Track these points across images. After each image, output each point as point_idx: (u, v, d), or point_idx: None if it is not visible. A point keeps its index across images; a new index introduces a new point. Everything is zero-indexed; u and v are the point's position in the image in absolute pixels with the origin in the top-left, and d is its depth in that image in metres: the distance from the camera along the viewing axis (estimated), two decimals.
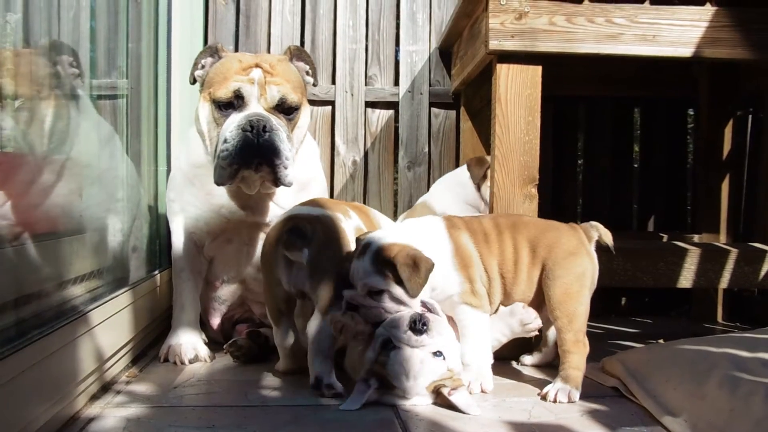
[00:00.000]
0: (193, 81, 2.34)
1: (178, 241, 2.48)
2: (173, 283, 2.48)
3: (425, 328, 1.84)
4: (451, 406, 1.83)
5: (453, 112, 3.57)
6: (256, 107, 2.19)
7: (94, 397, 1.88)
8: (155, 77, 2.92)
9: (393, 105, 3.56)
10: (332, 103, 3.50)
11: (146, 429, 1.65)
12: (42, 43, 1.97)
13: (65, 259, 1.94)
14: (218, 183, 2.20)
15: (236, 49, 3.48)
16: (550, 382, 2.03)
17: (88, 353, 1.81)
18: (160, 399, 1.91)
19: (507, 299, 2.08)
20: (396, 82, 3.56)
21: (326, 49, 3.54)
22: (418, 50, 3.56)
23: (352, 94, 3.52)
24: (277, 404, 1.89)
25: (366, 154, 3.53)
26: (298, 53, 2.40)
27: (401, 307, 1.91)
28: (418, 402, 1.87)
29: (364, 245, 1.94)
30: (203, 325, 2.57)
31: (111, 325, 2.00)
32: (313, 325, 1.98)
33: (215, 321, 2.61)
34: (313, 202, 2.22)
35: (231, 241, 2.49)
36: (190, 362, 2.31)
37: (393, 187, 3.58)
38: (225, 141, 2.14)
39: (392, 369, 1.83)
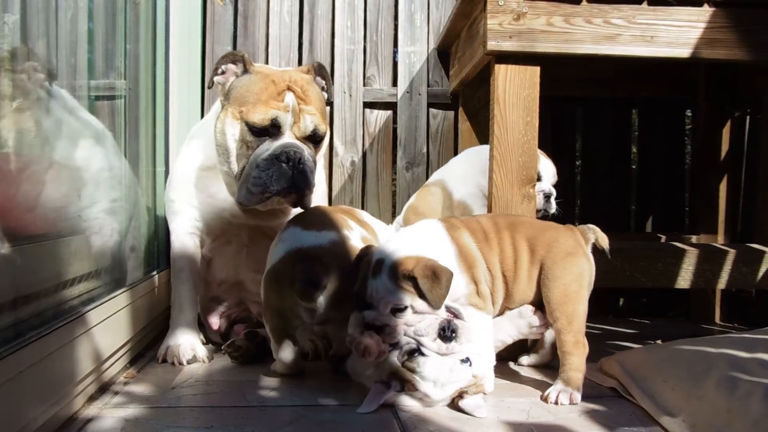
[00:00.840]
0: (211, 85, 2.30)
1: (177, 241, 2.48)
2: (172, 283, 2.48)
3: (454, 335, 1.82)
4: (458, 408, 1.84)
5: (451, 113, 3.57)
6: (290, 137, 2.17)
7: (92, 398, 1.88)
8: (153, 78, 2.92)
9: (391, 105, 3.56)
10: (330, 103, 3.50)
11: (144, 430, 1.65)
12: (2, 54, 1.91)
13: (62, 259, 1.94)
14: (243, 204, 2.22)
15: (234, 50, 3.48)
16: (548, 383, 2.03)
17: (86, 354, 1.80)
18: (159, 399, 1.91)
19: (508, 299, 2.06)
20: (394, 83, 3.56)
21: (324, 50, 3.54)
22: (416, 51, 3.56)
23: (351, 95, 3.52)
24: (275, 405, 1.89)
25: (364, 154, 3.53)
26: (320, 70, 2.38)
27: (423, 317, 1.87)
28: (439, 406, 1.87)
29: (378, 262, 1.90)
30: (201, 325, 2.57)
31: (109, 326, 2.00)
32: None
33: (213, 321, 2.61)
34: (315, 222, 2.16)
35: (230, 243, 2.49)
36: (189, 363, 2.31)
37: (391, 187, 3.57)
38: (258, 167, 2.14)
39: (421, 376, 1.82)
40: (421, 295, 1.83)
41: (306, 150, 2.18)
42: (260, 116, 2.15)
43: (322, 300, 1.98)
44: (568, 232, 2.09)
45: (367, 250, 1.99)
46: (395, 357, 1.84)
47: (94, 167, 2.36)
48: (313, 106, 2.22)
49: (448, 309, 1.92)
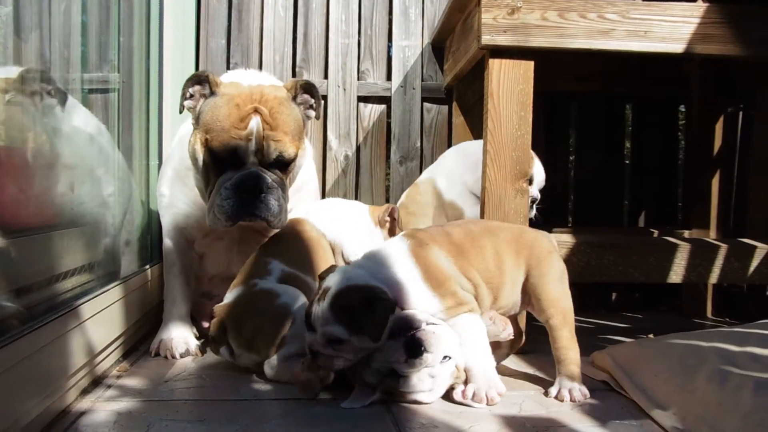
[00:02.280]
0: (181, 110, 2.24)
1: (168, 236, 2.48)
2: (164, 277, 2.48)
3: (423, 348, 1.77)
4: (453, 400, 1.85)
5: (445, 107, 3.57)
6: (252, 164, 2.13)
7: (85, 392, 1.88)
8: (147, 71, 2.91)
9: (385, 100, 3.56)
10: (324, 97, 3.49)
11: (137, 423, 1.65)
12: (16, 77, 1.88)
13: (56, 252, 1.94)
14: (211, 226, 2.21)
15: (228, 44, 3.47)
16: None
17: (79, 347, 1.80)
18: (151, 393, 1.91)
19: (495, 303, 2.03)
20: (388, 77, 3.56)
21: (318, 44, 3.53)
22: (410, 45, 3.56)
23: (345, 89, 3.52)
24: (268, 398, 1.89)
25: (358, 148, 3.53)
26: (307, 88, 2.30)
27: (363, 354, 1.82)
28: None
29: (324, 289, 1.82)
30: (194, 319, 2.57)
31: (102, 320, 2.00)
32: None
33: (205, 315, 2.60)
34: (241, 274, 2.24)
35: (222, 238, 2.49)
36: (182, 356, 2.31)
37: (385, 182, 3.58)
38: (220, 195, 2.12)
39: (405, 390, 1.82)
40: (360, 330, 1.77)
41: (269, 177, 2.14)
42: (221, 147, 2.11)
43: (224, 351, 2.10)
44: (540, 234, 2.12)
45: (326, 273, 1.91)
46: (376, 367, 1.82)
47: (93, 161, 2.36)
48: (280, 130, 2.14)
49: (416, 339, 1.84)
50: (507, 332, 2.06)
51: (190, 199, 2.42)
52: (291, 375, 1.92)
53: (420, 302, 1.88)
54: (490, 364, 1.91)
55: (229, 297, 2.15)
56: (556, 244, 2.13)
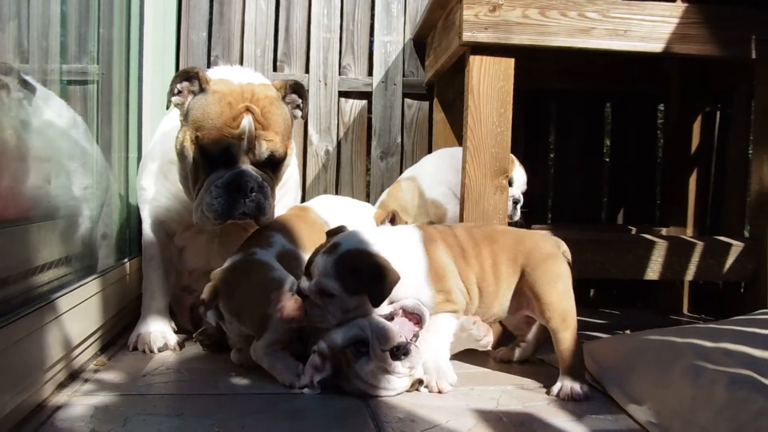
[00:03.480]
0: (168, 106, 2.22)
1: (148, 229, 2.47)
2: (143, 270, 2.47)
3: (404, 358, 1.81)
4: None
5: (426, 103, 3.57)
6: (244, 164, 2.13)
7: (62, 386, 1.86)
8: (127, 63, 2.88)
9: (366, 95, 3.56)
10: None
11: (114, 417, 1.64)
12: None
13: (31, 245, 1.92)
14: (198, 224, 2.20)
15: (209, 37, 3.45)
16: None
17: (56, 341, 1.79)
18: (129, 387, 1.90)
19: (486, 310, 2.05)
20: (370, 73, 3.56)
21: (300, 38, 3.52)
22: (392, 41, 3.56)
23: (326, 84, 3.51)
24: (247, 392, 1.89)
25: (339, 143, 3.53)
26: (296, 88, 2.30)
27: (346, 317, 1.87)
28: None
29: (334, 244, 1.89)
30: (173, 313, 2.56)
31: (79, 313, 1.98)
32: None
33: (184, 310, 2.59)
34: (244, 243, 2.23)
35: (202, 232, 2.47)
36: (159, 350, 2.30)
37: (365, 177, 3.58)
38: (210, 193, 2.11)
39: (355, 374, 1.83)
40: (357, 291, 1.84)
41: (261, 176, 2.14)
42: (213, 145, 2.10)
43: (211, 315, 2.06)
44: (544, 238, 2.11)
45: (336, 230, 1.99)
46: (338, 336, 1.85)
47: (67, 153, 2.34)
48: (271, 130, 2.15)
49: (412, 311, 1.91)
50: (487, 339, 2.10)
51: (172, 194, 2.40)
52: (270, 366, 1.96)
53: (416, 291, 1.95)
54: (444, 358, 1.99)
55: (227, 263, 2.13)
56: (564, 247, 2.10)
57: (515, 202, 2.90)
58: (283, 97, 2.27)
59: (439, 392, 1.91)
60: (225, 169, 2.11)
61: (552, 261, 2.03)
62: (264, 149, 2.14)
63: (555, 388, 1.93)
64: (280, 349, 1.98)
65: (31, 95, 2.05)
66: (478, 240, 2.07)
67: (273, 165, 2.20)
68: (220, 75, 2.26)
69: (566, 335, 1.95)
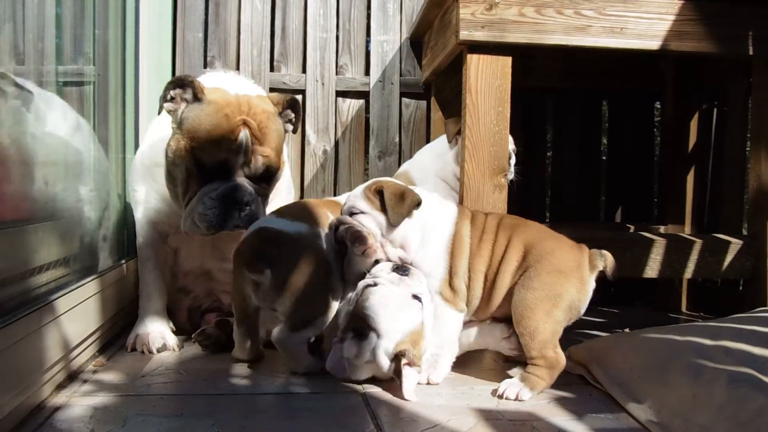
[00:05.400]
0: (160, 111, 2.21)
1: (142, 230, 2.46)
2: (139, 272, 2.46)
3: (407, 272, 1.95)
4: (398, 377, 1.85)
5: (423, 102, 3.57)
6: (239, 177, 2.13)
7: (61, 386, 1.86)
8: (123, 64, 2.88)
9: (364, 95, 3.55)
10: (303, 92, 3.48)
11: (113, 418, 1.64)
12: None
13: (31, 246, 1.91)
14: (187, 232, 2.20)
15: (205, 37, 3.44)
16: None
17: (54, 342, 1.79)
18: (128, 388, 1.89)
19: (486, 305, 2.03)
20: (367, 72, 3.56)
21: (297, 38, 3.52)
22: (389, 40, 3.56)
23: (323, 84, 3.51)
24: (246, 393, 1.88)
25: (336, 143, 3.53)
26: (292, 104, 2.31)
27: (378, 230, 2.02)
28: (383, 364, 1.86)
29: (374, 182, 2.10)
30: (171, 313, 2.55)
31: (78, 314, 1.98)
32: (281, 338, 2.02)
33: (182, 311, 2.59)
34: (291, 213, 2.14)
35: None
36: (158, 351, 2.29)
37: (363, 176, 3.57)
38: (204, 204, 2.10)
39: (372, 306, 1.86)
40: (383, 209, 2.00)
41: (255, 189, 2.16)
42: (209, 157, 2.10)
43: (268, 273, 1.97)
44: (572, 250, 2.02)
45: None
46: (348, 306, 1.95)
47: (72, 155, 2.33)
48: (267, 145, 2.16)
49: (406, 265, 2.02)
50: (516, 352, 2.08)
51: (160, 195, 2.40)
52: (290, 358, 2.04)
53: (433, 259, 2.02)
54: (445, 356, 2.02)
55: (292, 228, 2.06)
56: (600, 264, 2.03)
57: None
58: (280, 113, 2.28)
59: (428, 383, 1.97)
60: (220, 181, 2.12)
61: (556, 276, 1.93)
62: (260, 164, 2.15)
63: (501, 385, 1.88)
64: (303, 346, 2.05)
65: (28, 100, 2.05)
66: (503, 227, 2.05)
67: (267, 179, 2.22)
68: (215, 83, 2.26)
69: (533, 353, 1.89)
